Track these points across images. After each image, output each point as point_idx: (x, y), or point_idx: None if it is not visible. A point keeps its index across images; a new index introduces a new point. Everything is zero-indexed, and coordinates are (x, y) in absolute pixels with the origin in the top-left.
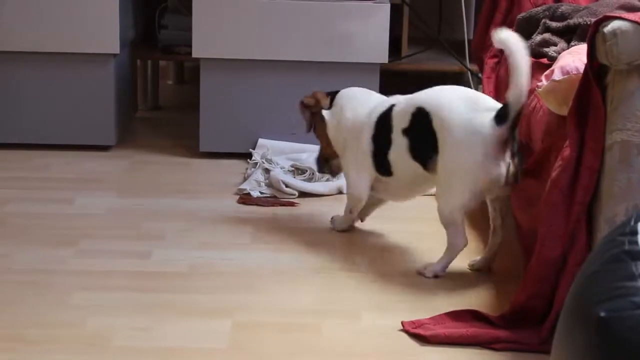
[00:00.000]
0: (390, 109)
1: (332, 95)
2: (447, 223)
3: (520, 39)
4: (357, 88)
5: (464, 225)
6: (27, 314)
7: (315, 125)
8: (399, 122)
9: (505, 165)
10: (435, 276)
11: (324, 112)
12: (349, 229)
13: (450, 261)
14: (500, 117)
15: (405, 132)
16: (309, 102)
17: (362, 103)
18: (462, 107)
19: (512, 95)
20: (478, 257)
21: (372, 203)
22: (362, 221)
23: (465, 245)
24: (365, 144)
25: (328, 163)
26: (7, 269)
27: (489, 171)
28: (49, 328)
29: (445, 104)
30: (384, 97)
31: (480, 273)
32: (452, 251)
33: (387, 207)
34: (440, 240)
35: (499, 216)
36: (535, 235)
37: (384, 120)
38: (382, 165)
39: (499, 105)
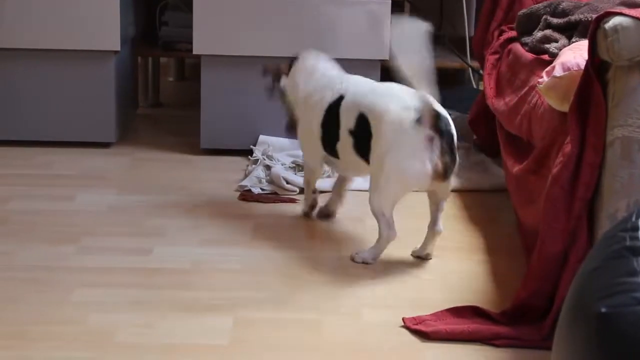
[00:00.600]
0: (339, 102)
1: (292, 60)
2: (377, 215)
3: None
4: (312, 55)
5: (393, 217)
6: (29, 310)
7: (279, 92)
8: (346, 122)
9: (431, 162)
10: (364, 262)
11: (282, 78)
12: (310, 210)
13: (381, 251)
14: (419, 118)
15: (351, 132)
16: (269, 67)
17: (314, 78)
18: (393, 108)
19: (420, 99)
20: (419, 246)
21: (337, 194)
22: (332, 216)
23: (394, 237)
24: (315, 128)
25: (295, 128)
26: (9, 266)
27: (413, 168)
28: (50, 325)
29: (381, 108)
30: (334, 76)
31: (481, 270)
32: (381, 242)
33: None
34: (441, 235)
35: (435, 210)
36: (537, 232)
37: (333, 113)
38: (330, 150)
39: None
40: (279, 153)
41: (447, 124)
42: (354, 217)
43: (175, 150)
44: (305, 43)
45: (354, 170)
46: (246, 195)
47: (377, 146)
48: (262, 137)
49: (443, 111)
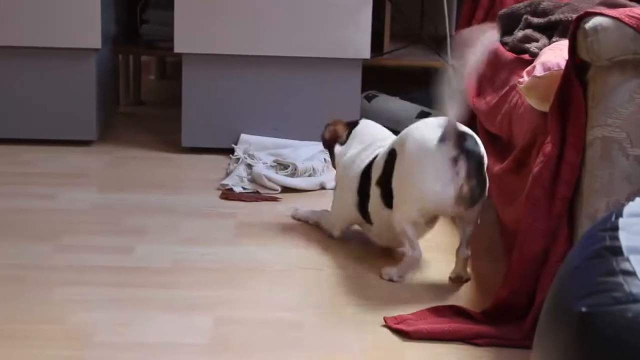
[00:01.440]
0: (373, 161)
1: (351, 127)
2: (401, 235)
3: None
4: (372, 125)
5: (415, 237)
6: (8, 309)
7: (330, 154)
8: (375, 174)
9: (454, 186)
10: (390, 280)
11: (337, 149)
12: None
13: (407, 271)
14: (442, 136)
15: (378, 183)
16: (326, 133)
17: (364, 147)
18: (418, 128)
19: (446, 118)
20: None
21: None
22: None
23: (419, 257)
24: (351, 193)
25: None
26: None
27: (434, 190)
28: (30, 324)
29: (407, 131)
30: (377, 139)
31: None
32: (407, 261)
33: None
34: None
35: (462, 234)
36: (517, 231)
37: (366, 174)
38: (364, 213)
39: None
40: (261, 152)
41: (475, 144)
42: None
43: (157, 149)
44: (286, 41)
45: (387, 230)
46: (228, 194)
47: (399, 166)
48: (243, 136)
49: (470, 132)
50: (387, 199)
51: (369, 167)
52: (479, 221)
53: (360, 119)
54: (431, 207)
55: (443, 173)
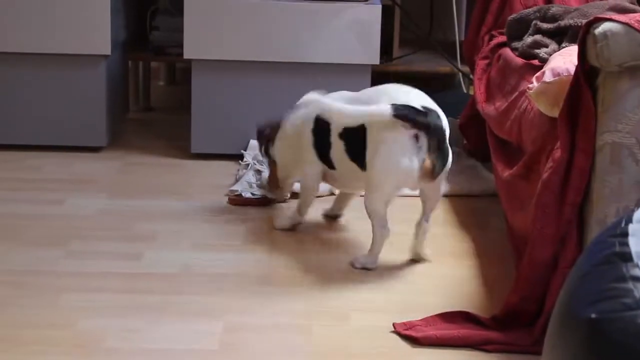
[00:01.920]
0: (320, 113)
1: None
2: (371, 215)
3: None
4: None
5: (386, 217)
6: (17, 315)
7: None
8: (335, 126)
9: (418, 160)
10: (364, 268)
11: (272, 150)
12: (291, 228)
13: (378, 252)
14: (398, 114)
15: (340, 135)
16: (261, 133)
17: (296, 115)
18: (382, 107)
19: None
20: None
21: (340, 199)
22: (337, 218)
23: (387, 235)
24: (307, 137)
25: (277, 190)
26: None
27: (400, 164)
28: (39, 329)
29: (372, 107)
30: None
31: (471, 275)
32: (376, 242)
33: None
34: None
35: (423, 207)
36: (527, 237)
37: (321, 121)
38: (325, 160)
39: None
40: None
41: (436, 118)
42: (345, 221)
43: (166, 155)
44: (295, 47)
45: (352, 180)
46: (236, 200)
47: (369, 147)
48: (252, 142)
49: (432, 106)
50: (351, 153)
51: (318, 120)
52: (441, 195)
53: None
54: (401, 182)
55: (407, 149)
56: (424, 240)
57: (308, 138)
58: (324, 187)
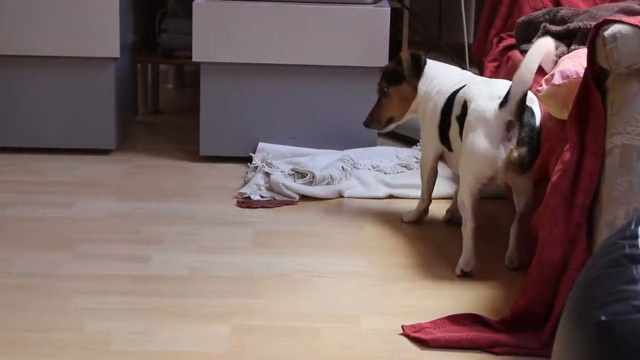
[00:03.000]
0: (456, 92)
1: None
2: (460, 208)
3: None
4: (442, 65)
5: (471, 209)
6: (26, 317)
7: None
8: (455, 109)
9: (505, 149)
10: (463, 272)
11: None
12: (417, 220)
13: (469, 247)
14: (503, 101)
15: (457, 119)
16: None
17: (446, 81)
18: (482, 94)
19: (514, 79)
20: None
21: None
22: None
23: (472, 227)
24: (436, 118)
25: (389, 123)
26: (6, 272)
27: (485, 150)
28: (47, 332)
29: (473, 94)
30: (462, 75)
31: (481, 278)
32: (465, 237)
33: (387, 211)
34: (438, 242)
35: (517, 209)
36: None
37: (450, 102)
38: (445, 140)
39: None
40: (278, 160)
41: (532, 115)
42: (353, 224)
43: (175, 157)
44: (304, 50)
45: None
46: (245, 202)
47: (464, 129)
48: (261, 145)
49: (533, 106)
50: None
51: (448, 102)
52: (530, 196)
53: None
54: (485, 169)
55: (497, 136)
56: (518, 245)
57: (436, 115)
58: (331, 189)
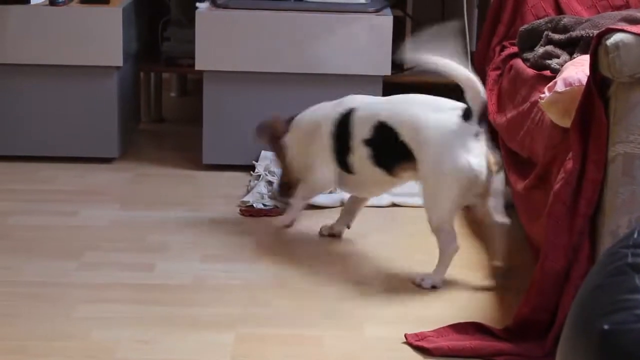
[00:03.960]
0: (349, 113)
1: (289, 120)
2: (437, 231)
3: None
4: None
5: (454, 229)
6: (31, 326)
7: (276, 151)
8: (360, 132)
9: (484, 157)
10: (433, 287)
11: (285, 138)
12: (291, 223)
13: (446, 268)
14: (466, 114)
15: (367, 142)
16: (267, 126)
17: (317, 109)
18: (430, 115)
19: (470, 96)
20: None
21: (351, 209)
22: (348, 228)
23: (456, 250)
24: (326, 140)
25: (290, 190)
26: (12, 281)
27: (470, 163)
28: (52, 340)
29: (412, 117)
30: (331, 103)
31: (484, 287)
32: (445, 259)
33: (390, 219)
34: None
35: (488, 208)
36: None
37: (343, 125)
38: (343, 164)
39: (458, 104)
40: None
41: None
42: (357, 232)
43: (178, 166)
44: (306, 58)
45: (372, 185)
46: (248, 211)
47: (426, 155)
48: (264, 153)
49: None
50: (377, 158)
51: (341, 123)
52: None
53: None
54: (472, 182)
55: (472, 148)
56: (504, 240)
57: (327, 140)
58: (333, 198)
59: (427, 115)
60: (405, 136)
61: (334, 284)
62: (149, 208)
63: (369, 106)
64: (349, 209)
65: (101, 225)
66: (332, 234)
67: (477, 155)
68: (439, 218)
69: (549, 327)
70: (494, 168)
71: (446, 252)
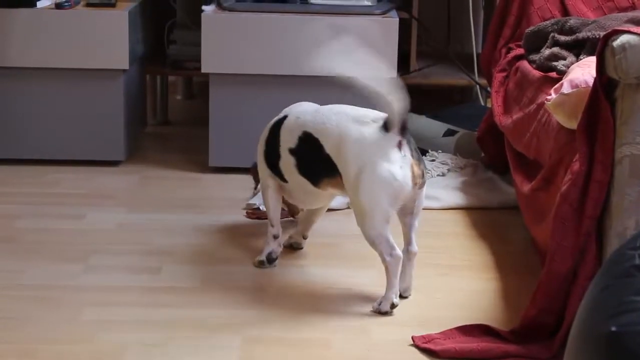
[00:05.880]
0: (281, 121)
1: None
2: (375, 242)
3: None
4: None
5: (390, 239)
6: (38, 329)
7: None
8: (286, 140)
9: (408, 168)
10: (392, 306)
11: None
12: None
13: (396, 280)
14: (387, 125)
15: (292, 151)
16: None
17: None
18: (352, 126)
19: (389, 108)
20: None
21: (308, 219)
22: (304, 238)
23: (400, 258)
24: (261, 148)
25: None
26: (18, 284)
27: (396, 174)
28: (59, 344)
29: (338, 129)
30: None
31: (490, 288)
32: (392, 272)
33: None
34: (448, 254)
35: (407, 229)
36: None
37: (274, 131)
38: (275, 170)
39: (381, 114)
40: None
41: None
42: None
43: (184, 169)
44: (312, 62)
45: (304, 194)
46: (254, 213)
47: (347, 169)
48: None
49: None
50: (302, 168)
51: (274, 128)
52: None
53: None
54: (399, 193)
55: (396, 159)
56: (412, 273)
57: (261, 147)
58: (340, 199)
59: (348, 127)
60: (329, 149)
61: (340, 286)
62: (156, 211)
63: (296, 116)
64: (305, 219)
65: (108, 228)
66: (291, 245)
67: (400, 165)
68: (372, 230)
69: (556, 329)
70: (418, 181)
71: (389, 264)
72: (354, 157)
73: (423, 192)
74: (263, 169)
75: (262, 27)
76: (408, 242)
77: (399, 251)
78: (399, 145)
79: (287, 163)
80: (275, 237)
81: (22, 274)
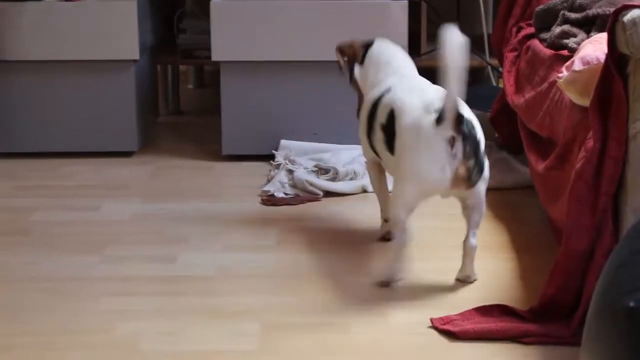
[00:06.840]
0: (381, 96)
1: (366, 48)
2: (392, 223)
3: (461, 40)
4: (387, 47)
5: (406, 227)
6: (55, 320)
7: (350, 75)
8: (380, 116)
9: (451, 167)
10: (385, 284)
11: (356, 68)
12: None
13: (397, 260)
14: (439, 119)
15: (382, 127)
16: (345, 50)
17: (381, 73)
18: (416, 111)
19: (445, 99)
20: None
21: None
22: (386, 222)
23: (404, 246)
24: (363, 120)
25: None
26: (35, 276)
27: (430, 171)
28: (76, 334)
29: (403, 105)
30: (398, 72)
31: (507, 268)
32: (394, 252)
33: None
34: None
35: (468, 222)
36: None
37: (374, 106)
38: (373, 146)
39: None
40: (301, 157)
41: (472, 127)
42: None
43: (197, 157)
44: (323, 46)
45: (393, 166)
46: (269, 200)
47: (397, 145)
48: (283, 142)
49: (469, 114)
50: (389, 145)
51: (376, 102)
52: (484, 209)
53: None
54: (429, 190)
55: (439, 155)
56: (473, 260)
57: (363, 118)
58: (355, 184)
59: (410, 105)
60: (397, 126)
61: (357, 270)
62: (170, 200)
63: (392, 90)
64: (384, 201)
65: (123, 219)
66: (383, 237)
67: (442, 163)
68: (394, 210)
69: (574, 307)
70: (462, 183)
71: (393, 247)
72: (402, 141)
73: (477, 190)
74: (365, 143)
75: (271, 13)
76: (469, 232)
77: (407, 239)
78: (451, 142)
79: (379, 139)
80: (386, 220)
81: (38, 266)
